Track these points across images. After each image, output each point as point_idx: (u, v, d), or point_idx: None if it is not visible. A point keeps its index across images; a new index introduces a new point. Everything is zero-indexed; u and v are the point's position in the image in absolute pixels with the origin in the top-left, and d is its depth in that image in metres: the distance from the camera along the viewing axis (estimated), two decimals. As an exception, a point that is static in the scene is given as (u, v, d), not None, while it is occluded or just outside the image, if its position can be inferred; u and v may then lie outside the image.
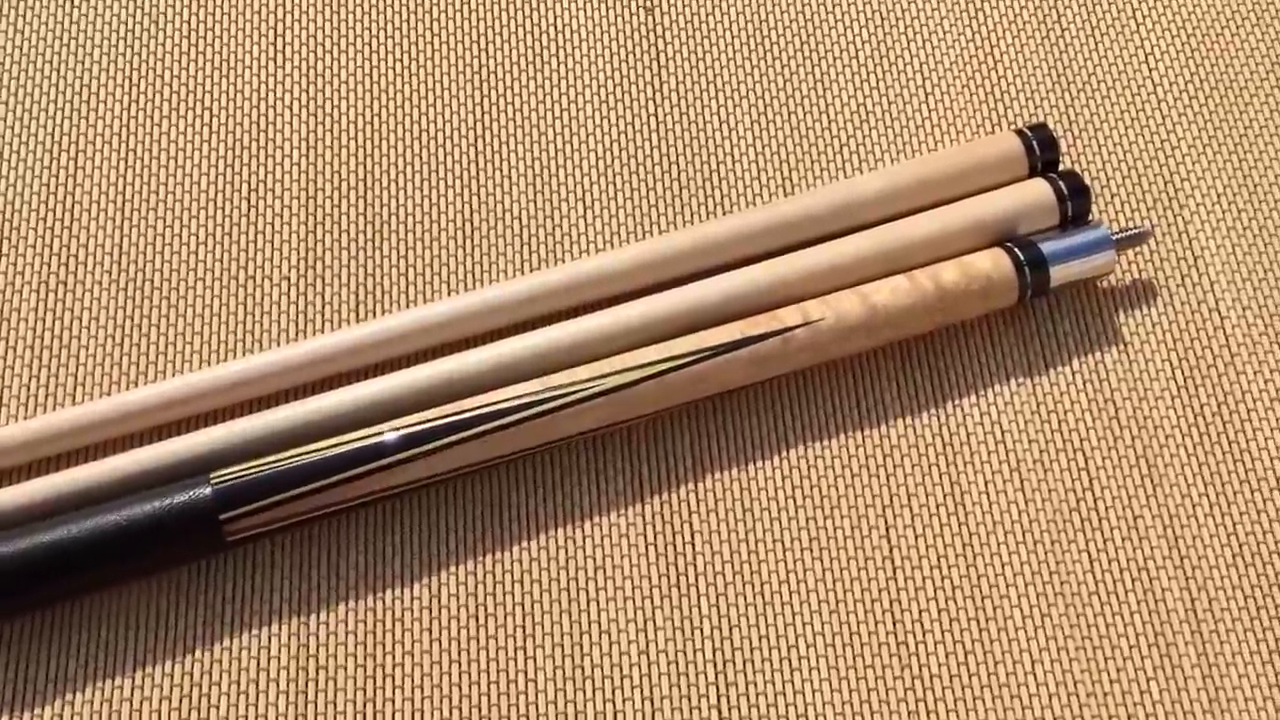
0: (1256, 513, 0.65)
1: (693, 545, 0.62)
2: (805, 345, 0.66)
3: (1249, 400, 0.64)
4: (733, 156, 0.71)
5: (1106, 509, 0.62)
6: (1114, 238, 0.67)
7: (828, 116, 0.69)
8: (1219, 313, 0.65)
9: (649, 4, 0.75)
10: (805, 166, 0.71)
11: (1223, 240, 0.66)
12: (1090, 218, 0.65)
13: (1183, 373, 0.64)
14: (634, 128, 0.69)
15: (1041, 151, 0.66)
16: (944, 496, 0.65)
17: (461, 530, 0.64)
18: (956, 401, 0.65)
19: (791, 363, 0.66)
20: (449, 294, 0.63)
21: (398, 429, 0.59)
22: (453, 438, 0.60)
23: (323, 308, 0.60)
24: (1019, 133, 0.66)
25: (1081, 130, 0.69)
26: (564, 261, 0.68)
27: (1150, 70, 0.71)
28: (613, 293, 0.63)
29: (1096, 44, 0.71)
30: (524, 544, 0.63)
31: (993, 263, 0.67)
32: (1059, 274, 0.64)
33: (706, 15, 0.71)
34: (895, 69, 0.70)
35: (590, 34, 0.70)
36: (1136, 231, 0.66)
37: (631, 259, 0.67)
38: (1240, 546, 0.64)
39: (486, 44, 0.74)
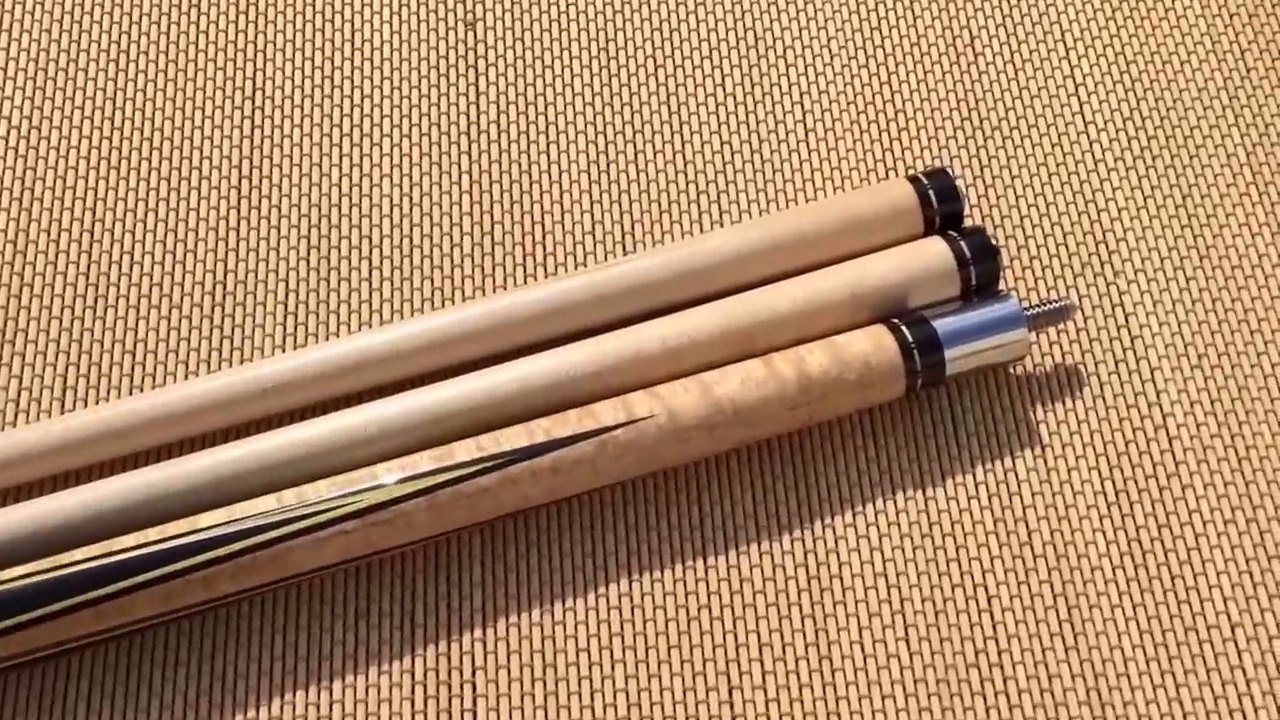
0: (1205, 671, 0.51)
1: (474, 713, 0.48)
2: (629, 450, 0.52)
3: (1196, 522, 0.53)
4: (562, 206, 0.61)
5: (1015, 663, 0.51)
6: (1028, 313, 0.55)
7: (682, 157, 0.60)
8: (1160, 408, 0.55)
9: (470, 19, 0.60)
10: (651, 220, 0.60)
11: (1166, 317, 0.57)
12: (1000, 288, 0.54)
13: (1114, 485, 0.54)
14: (439, 170, 0.61)
15: (940, 203, 0.56)
16: (807, 647, 0.52)
17: (169, 694, 0.50)
18: (826, 521, 0.54)
19: (610, 473, 0.52)
20: (190, 376, 0.53)
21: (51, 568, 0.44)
22: (127, 582, 0.43)
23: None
24: (912, 179, 0.56)
25: (994, 178, 0.60)
26: (327, 340, 0.55)
27: (1079, 107, 0.62)
28: (379, 380, 0.52)
29: (1015, 74, 0.63)
30: (249, 714, 0.48)
31: (873, 344, 0.54)
32: (958, 358, 0.53)
33: (533, 40, 0.62)
34: (767, 103, 0.61)
35: (394, 57, 0.63)
36: (1057, 306, 0.55)
37: (406, 338, 0.52)
38: (1184, 716, 0.47)
39: (256, 71, 0.58)
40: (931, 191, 0.55)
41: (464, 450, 0.50)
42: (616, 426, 0.51)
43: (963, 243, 0.54)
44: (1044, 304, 0.54)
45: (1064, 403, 0.55)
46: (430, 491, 0.49)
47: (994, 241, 0.53)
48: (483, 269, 0.59)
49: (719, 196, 0.57)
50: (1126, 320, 0.56)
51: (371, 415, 0.51)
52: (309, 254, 0.58)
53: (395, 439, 0.51)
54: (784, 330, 0.53)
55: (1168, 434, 0.53)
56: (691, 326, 0.54)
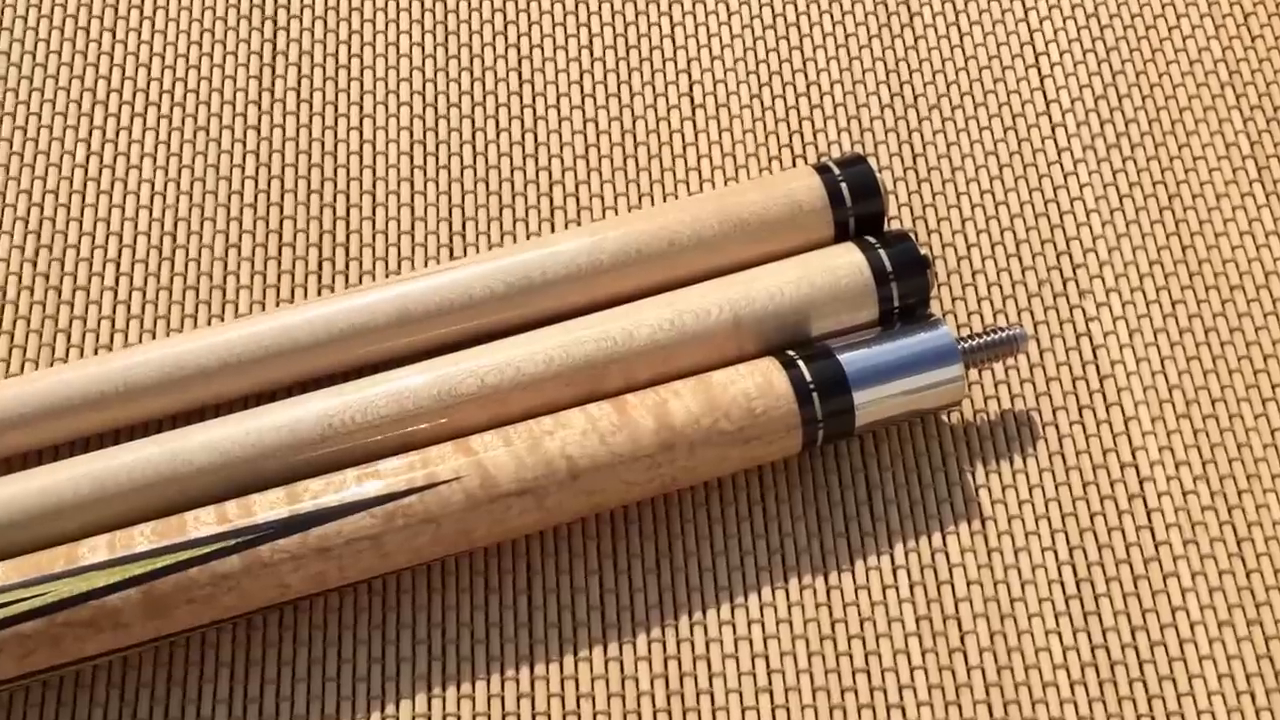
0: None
1: None
2: (427, 523, 0.40)
3: (1182, 624, 0.43)
4: (374, 198, 0.49)
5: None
6: (966, 345, 0.44)
7: (533, 138, 0.51)
8: (1137, 470, 0.44)
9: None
10: (488, 218, 0.49)
11: (1145, 351, 0.46)
12: (931, 311, 0.44)
13: (1074, 573, 0.43)
14: (223, 152, 0.50)
15: (855, 200, 0.46)
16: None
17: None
18: (696, 617, 0.43)
19: (400, 554, 0.40)
20: None
21: None
22: None
23: None
24: (820, 169, 0.46)
25: (930, 170, 0.50)
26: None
27: (1040, 81, 0.52)
28: (82, 430, 0.43)
29: (960, 39, 0.53)
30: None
31: (760, 383, 0.42)
32: (872, 404, 0.43)
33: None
34: (642, 73, 0.51)
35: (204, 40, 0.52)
36: (1004, 335, 0.44)
37: (143, 366, 0.38)
38: None
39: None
40: (845, 185, 0.45)
41: (200, 522, 0.37)
42: (411, 491, 0.39)
43: (883, 252, 0.44)
44: (986, 332, 0.43)
45: (1011, 463, 0.44)
46: (147, 580, 0.36)
47: (924, 251, 0.44)
48: (264, 277, 0.45)
49: (577, 188, 0.49)
50: (1095, 355, 0.45)
51: (79, 473, 0.37)
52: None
53: (108, 508, 0.37)
54: (644, 364, 0.43)
55: (1145, 506, 0.44)
56: (520, 357, 0.42)
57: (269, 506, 0.39)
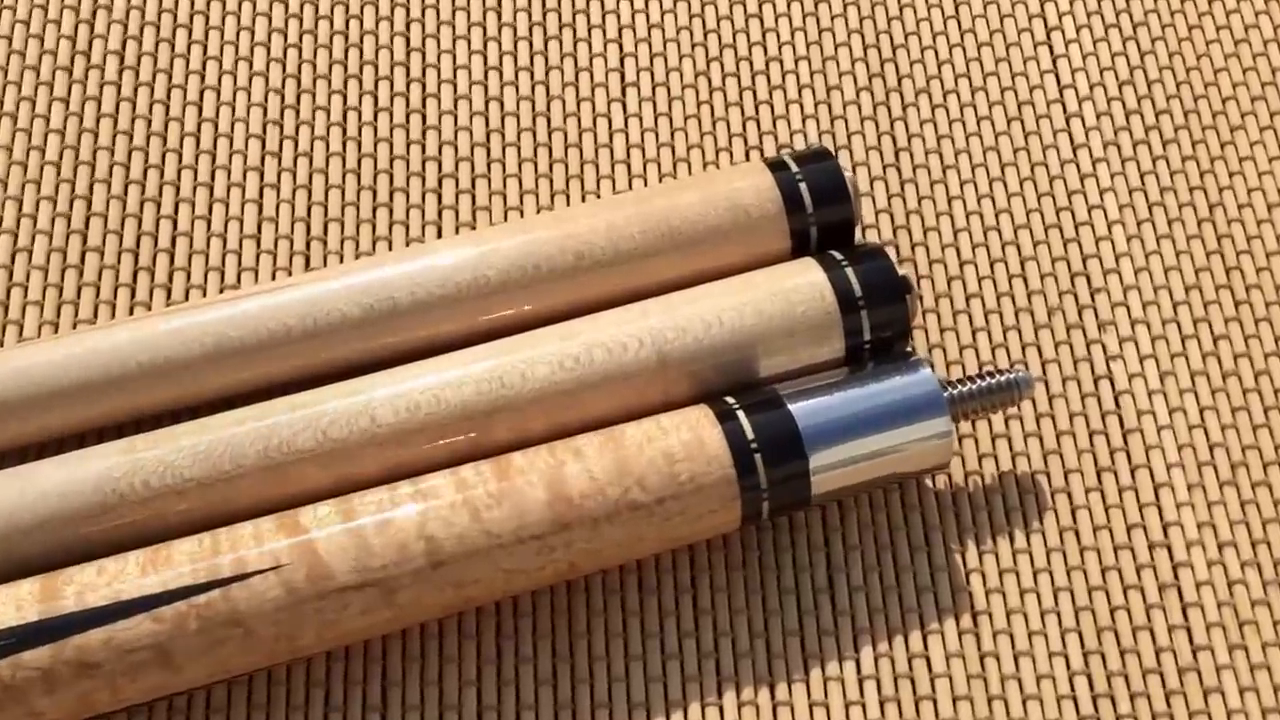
0: None
1: None
2: (232, 625, 0.31)
3: None
4: (227, 208, 0.40)
5: None
6: (954, 391, 0.35)
7: (419, 121, 0.42)
8: (1170, 552, 0.36)
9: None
10: (359, 220, 0.40)
11: (1181, 399, 0.38)
12: (909, 349, 0.36)
13: (1090, 686, 0.35)
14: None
15: (818, 204, 0.37)
16: None
17: None
18: None
19: (196, 669, 0.31)
20: None
21: None
22: None
23: None
24: (774, 165, 0.37)
25: (915, 169, 0.41)
26: None
27: (1052, 62, 0.44)
28: None
29: (955, 9, 0.45)
30: None
31: (687, 440, 0.33)
32: (833, 467, 0.34)
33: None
34: (560, 46, 0.43)
35: None
36: (1003, 379, 0.36)
37: None
38: None
39: None
40: (805, 184, 0.37)
41: None
42: (211, 585, 0.30)
43: (851, 270, 0.36)
44: (982, 375, 0.35)
45: (1012, 541, 0.36)
46: None
47: (904, 271, 0.36)
48: (59, 290, 0.34)
49: (473, 184, 0.41)
50: (1117, 403, 0.38)
51: None
52: None
53: None
54: (539, 413, 0.34)
55: (1181, 599, 0.36)
56: (377, 403, 0.34)
57: (14, 606, 0.28)
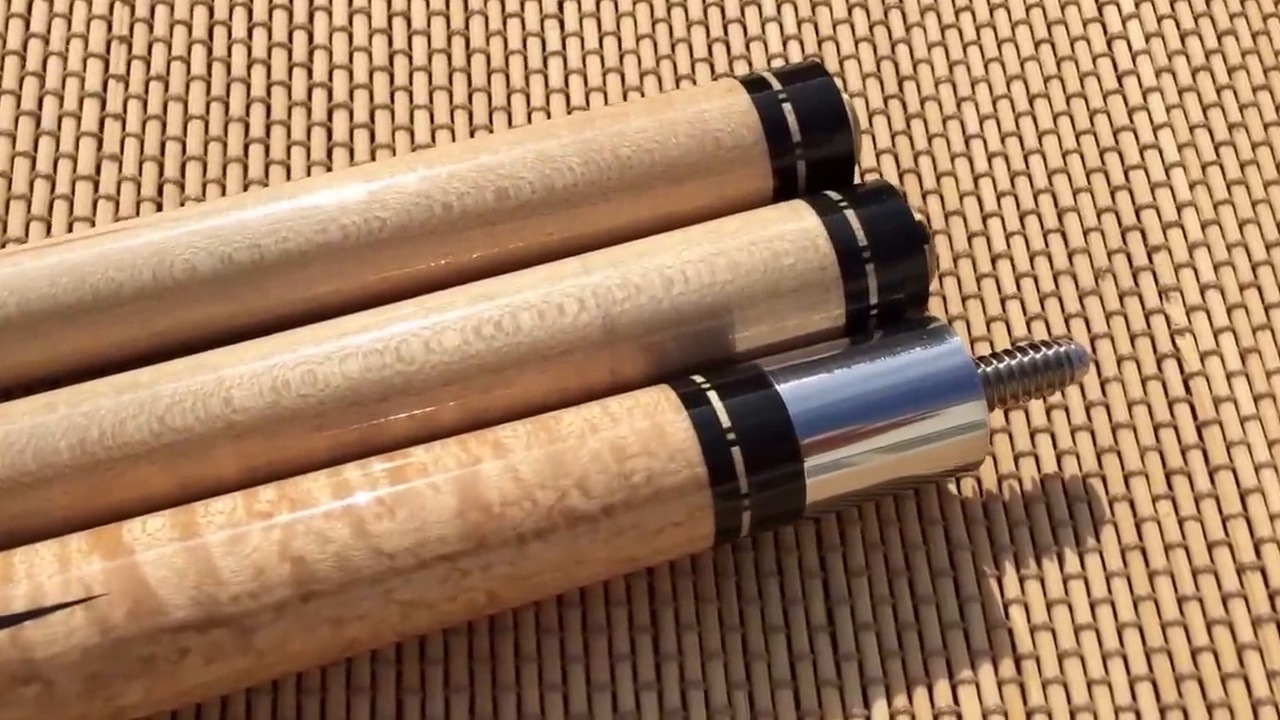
0: None
1: None
2: (25, 682, 0.24)
3: None
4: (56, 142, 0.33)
5: None
6: (987, 369, 0.25)
7: (308, 35, 0.35)
8: (1265, 574, 0.29)
9: None
10: (225, 158, 0.33)
11: (1268, 383, 0.31)
12: (928, 315, 0.29)
13: None
14: None
15: (807, 131, 0.27)
16: None
17: None
18: None
19: None
20: None
21: None
22: None
23: None
24: (750, 83, 0.29)
25: (925, 101, 0.35)
26: None
27: None
28: None
29: None
30: None
31: (641, 431, 0.26)
32: (832, 465, 0.27)
33: None
34: None
35: None
36: (1048, 354, 0.28)
37: None
38: None
39: None
40: (791, 107, 0.27)
41: None
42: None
43: (853, 214, 0.26)
44: (1022, 350, 0.27)
45: (1061, 564, 0.30)
46: None
47: (919, 217, 0.27)
48: None
49: (371, 116, 0.34)
50: (1188, 388, 0.31)
51: None
52: None
53: None
54: (449, 396, 0.27)
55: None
56: (233, 380, 0.27)
57: None
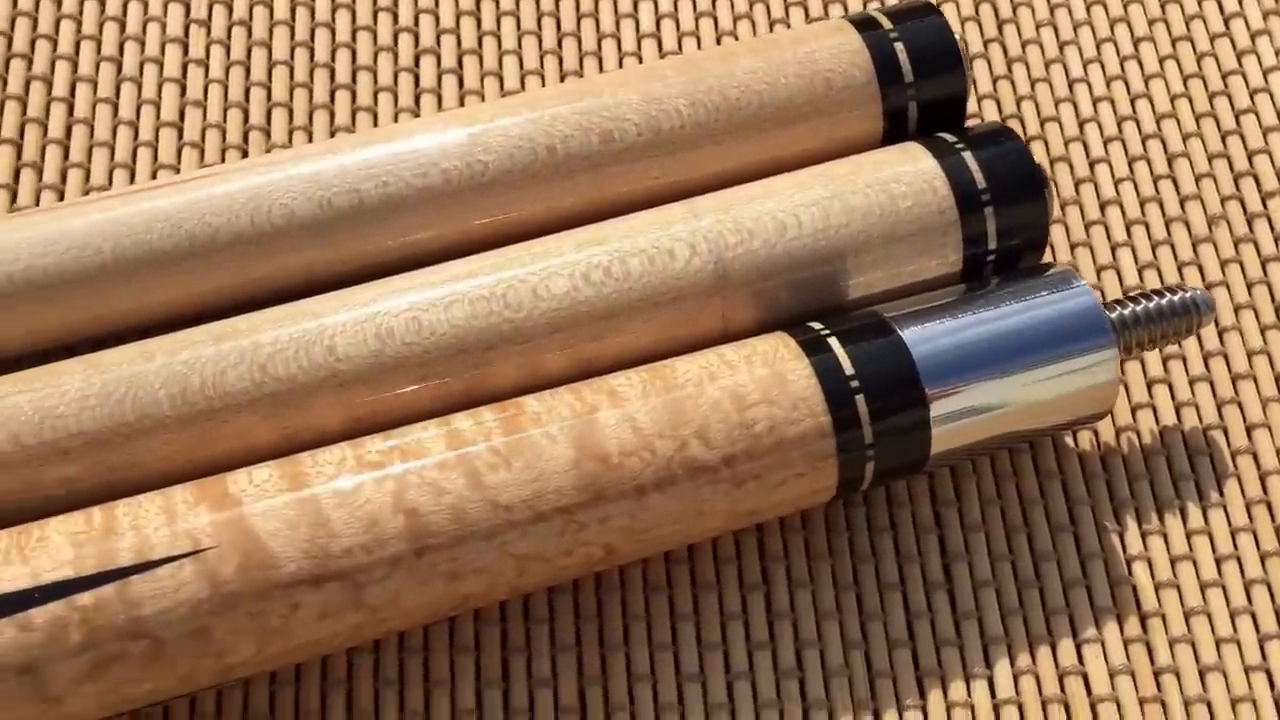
0: None
1: None
2: (133, 638, 0.23)
3: None
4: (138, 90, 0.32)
5: None
6: (1117, 314, 0.25)
7: None
8: None
9: None
10: (310, 106, 0.32)
11: None
12: (1046, 262, 0.28)
13: None
14: None
15: (920, 72, 0.26)
16: None
17: None
18: None
19: (82, 702, 0.22)
20: None
21: None
22: None
23: None
24: (861, 23, 0.29)
25: (1025, 44, 0.34)
26: None
27: None
28: None
29: None
30: None
31: (761, 378, 0.25)
32: (955, 416, 0.26)
33: None
34: None
35: None
36: (1175, 300, 0.27)
37: None
38: None
39: None
40: (903, 48, 0.26)
41: None
42: (101, 578, 0.23)
43: (970, 156, 0.25)
44: (1146, 296, 0.26)
45: (1184, 518, 0.29)
46: None
47: (1034, 160, 0.28)
48: None
49: (459, 61, 0.33)
50: None
51: None
52: None
53: None
54: (557, 344, 0.26)
55: None
56: (334, 329, 0.26)
57: None
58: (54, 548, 0.22)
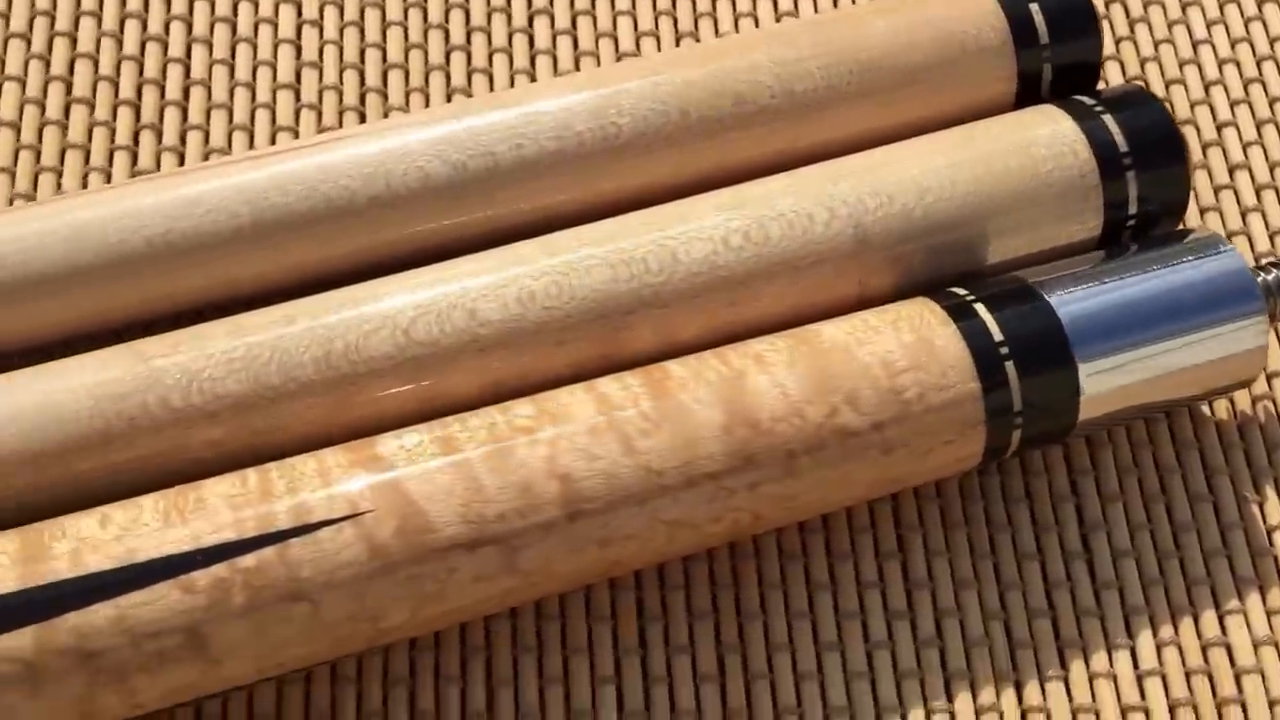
0: None
1: None
2: (293, 600, 0.22)
3: None
4: (255, 49, 0.32)
5: None
6: (1267, 277, 0.25)
7: None
8: None
9: None
10: (426, 67, 0.32)
11: None
12: (1188, 228, 0.28)
13: None
14: None
15: (1055, 34, 0.24)
16: None
17: None
18: None
19: (240, 663, 0.23)
20: None
21: None
22: None
23: None
24: None
25: (1148, 5, 0.34)
26: None
27: None
28: None
29: None
30: None
31: (909, 344, 0.25)
32: (1103, 383, 0.25)
33: None
34: None
35: None
36: None
37: None
38: None
39: None
40: (1039, 8, 0.26)
41: None
42: (262, 540, 0.22)
43: (1110, 119, 0.23)
44: None
45: None
46: None
47: (1172, 118, 0.28)
48: (36, 155, 0.26)
49: (573, 21, 0.33)
50: None
51: None
52: None
53: None
54: (696, 309, 0.26)
55: None
56: (475, 292, 0.26)
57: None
58: (212, 510, 0.22)
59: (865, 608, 0.26)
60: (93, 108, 0.29)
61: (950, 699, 0.26)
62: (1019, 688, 0.26)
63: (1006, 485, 0.27)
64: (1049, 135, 0.27)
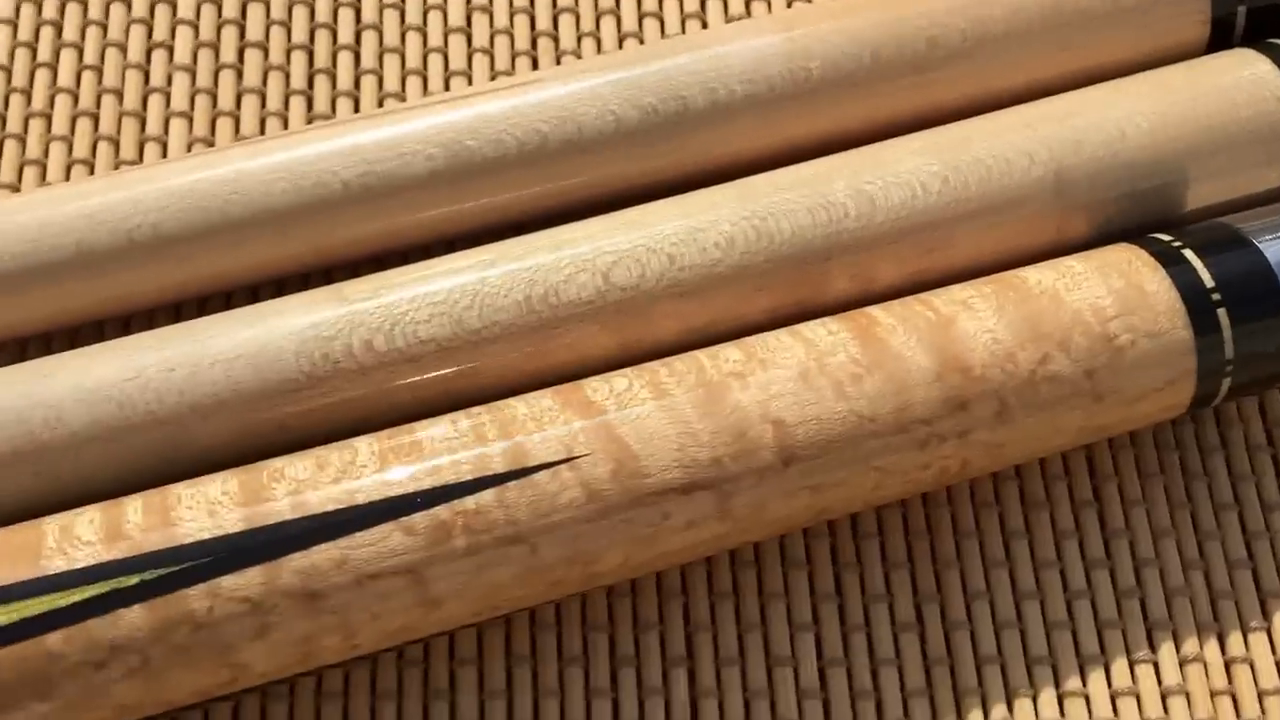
0: None
1: None
2: (512, 543, 0.23)
3: None
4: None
5: None
6: None
7: None
8: None
9: None
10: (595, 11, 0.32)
11: None
12: None
13: None
14: None
15: None
16: None
17: None
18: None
19: (459, 605, 0.23)
20: None
21: None
22: None
23: None
24: None
25: None
26: None
27: None
28: None
29: None
30: None
31: (1119, 290, 0.25)
32: None
33: None
34: None
35: None
36: None
37: None
38: None
39: None
40: None
41: (63, 546, 0.18)
42: (480, 484, 0.23)
43: None
44: None
45: None
46: None
47: None
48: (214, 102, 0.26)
49: None
50: None
51: None
52: None
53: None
54: (893, 255, 0.26)
55: None
56: (671, 236, 0.26)
57: (206, 511, 0.20)
58: (428, 452, 0.22)
59: (1063, 557, 0.26)
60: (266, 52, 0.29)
61: (1153, 649, 0.25)
62: (1221, 639, 0.26)
63: (1200, 434, 0.27)
64: (1248, 79, 0.27)
